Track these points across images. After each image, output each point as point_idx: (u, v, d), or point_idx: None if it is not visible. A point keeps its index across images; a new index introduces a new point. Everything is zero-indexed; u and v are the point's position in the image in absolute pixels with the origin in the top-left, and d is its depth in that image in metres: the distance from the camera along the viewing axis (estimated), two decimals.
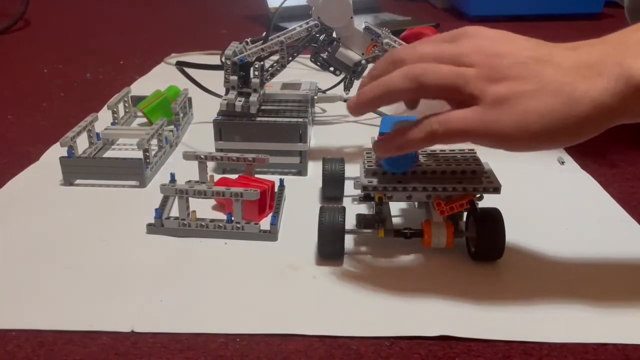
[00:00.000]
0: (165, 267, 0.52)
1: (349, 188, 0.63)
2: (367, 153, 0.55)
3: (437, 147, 0.53)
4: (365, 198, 0.55)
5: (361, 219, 0.54)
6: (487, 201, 0.55)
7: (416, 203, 0.58)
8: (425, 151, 0.54)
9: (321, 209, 0.53)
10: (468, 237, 0.54)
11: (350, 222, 0.54)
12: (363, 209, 0.63)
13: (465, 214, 0.55)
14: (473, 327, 0.44)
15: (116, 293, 0.48)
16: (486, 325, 0.44)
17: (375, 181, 0.51)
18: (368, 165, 0.52)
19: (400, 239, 0.52)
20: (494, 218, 0.51)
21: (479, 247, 0.51)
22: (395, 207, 0.61)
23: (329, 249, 0.52)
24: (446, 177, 0.50)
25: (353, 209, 0.60)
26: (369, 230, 0.54)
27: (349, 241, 0.56)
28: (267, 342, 0.43)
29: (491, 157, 0.56)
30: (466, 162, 0.51)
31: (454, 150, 0.54)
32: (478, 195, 0.51)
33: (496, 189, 0.50)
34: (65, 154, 0.66)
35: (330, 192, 0.63)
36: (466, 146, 0.54)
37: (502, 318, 0.45)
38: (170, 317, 0.45)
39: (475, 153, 0.53)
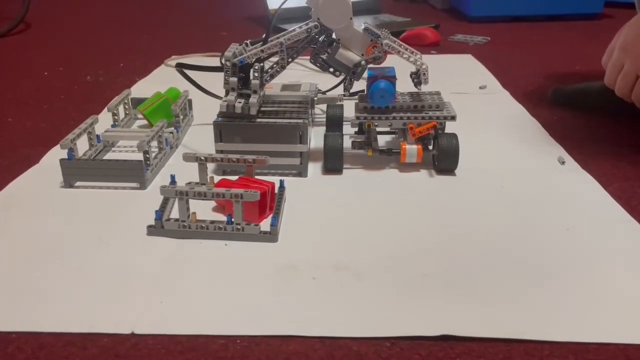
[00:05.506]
0: (166, 269, 0.52)
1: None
2: (359, 96, 0.71)
3: (413, 89, 0.71)
4: (359, 132, 0.74)
5: (355, 143, 0.73)
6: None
7: (397, 134, 0.76)
8: (403, 92, 0.71)
9: (325, 135, 0.69)
10: (433, 155, 0.71)
11: (347, 147, 0.71)
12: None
13: (432, 141, 0.71)
14: (474, 326, 0.44)
15: (116, 295, 0.48)
16: (487, 324, 0.44)
17: (365, 114, 0.69)
18: (360, 104, 0.69)
19: (384, 157, 0.71)
20: (450, 137, 0.68)
21: (439, 159, 0.68)
22: (382, 140, 0.78)
23: (332, 164, 0.69)
24: (417, 110, 0.69)
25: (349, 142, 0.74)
26: (361, 151, 0.72)
27: (346, 159, 0.72)
28: (267, 344, 0.43)
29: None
30: (432, 99, 0.70)
31: (424, 92, 0.71)
32: (440, 123, 0.68)
33: (453, 117, 0.68)
34: (66, 156, 0.66)
35: (332, 130, 0.77)
36: (433, 89, 0.74)
37: (503, 317, 0.45)
38: (171, 319, 0.45)
39: (439, 93, 0.71)
